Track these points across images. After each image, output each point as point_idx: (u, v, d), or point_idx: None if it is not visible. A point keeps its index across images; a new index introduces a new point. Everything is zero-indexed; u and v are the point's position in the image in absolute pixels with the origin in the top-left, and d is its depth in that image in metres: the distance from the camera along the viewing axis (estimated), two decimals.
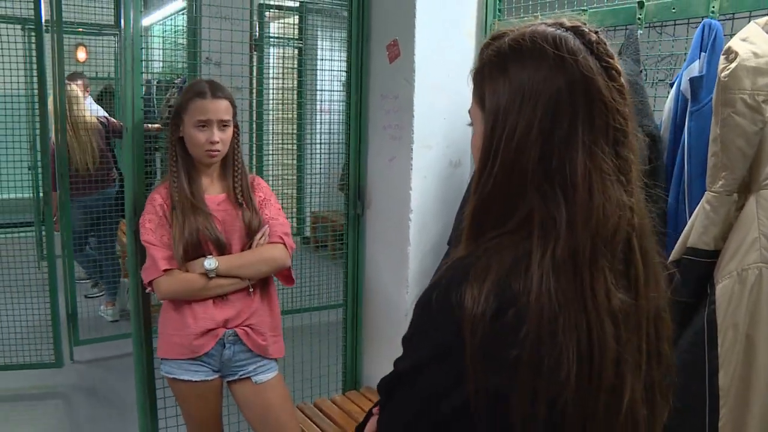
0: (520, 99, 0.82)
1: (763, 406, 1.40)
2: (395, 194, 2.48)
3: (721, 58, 1.42)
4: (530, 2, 2.18)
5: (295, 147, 5.02)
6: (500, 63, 0.85)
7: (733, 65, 1.37)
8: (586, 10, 1.93)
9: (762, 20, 1.42)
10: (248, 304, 2.02)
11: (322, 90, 3.70)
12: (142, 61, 2.18)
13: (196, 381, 1.99)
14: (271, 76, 6.07)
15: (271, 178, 4.66)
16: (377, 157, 2.56)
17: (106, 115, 4.96)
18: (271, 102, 5.75)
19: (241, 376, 2.05)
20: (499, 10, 2.31)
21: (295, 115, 5.29)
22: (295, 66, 5.49)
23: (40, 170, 4.34)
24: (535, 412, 0.76)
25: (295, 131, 4.63)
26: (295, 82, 5.17)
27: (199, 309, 1.96)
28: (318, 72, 4.75)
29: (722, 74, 1.39)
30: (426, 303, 0.83)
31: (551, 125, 0.81)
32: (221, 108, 1.98)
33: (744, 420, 1.42)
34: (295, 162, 5.30)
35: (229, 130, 2.02)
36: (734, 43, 1.40)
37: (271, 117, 5.55)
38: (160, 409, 2.33)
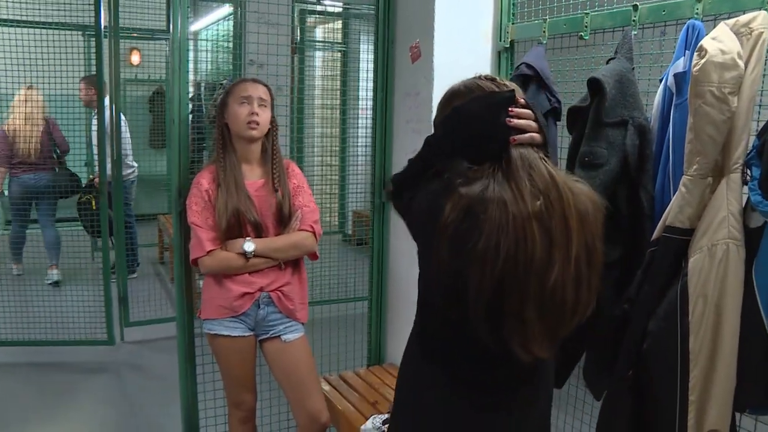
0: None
1: (727, 369, 1.55)
2: None
3: (695, 55, 1.57)
4: (540, 7, 2.36)
5: (337, 147, 5.24)
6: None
7: (702, 61, 1.53)
8: (588, 13, 2.09)
9: (731, 21, 1.57)
10: (280, 275, 2.30)
11: (363, 92, 3.91)
12: (188, 61, 2.44)
13: (234, 336, 2.27)
14: (315, 78, 6.33)
15: (314, 178, 4.89)
16: (401, 150, 2.78)
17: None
18: (314, 103, 6.00)
19: (271, 334, 2.31)
20: (513, 14, 2.49)
21: (338, 116, 5.53)
22: (337, 69, 5.72)
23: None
24: (484, 287, 1.11)
25: (337, 132, 4.87)
26: (338, 84, 5.39)
27: (239, 277, 2.24)
28: (360, 74, 4.98)
29: (694, 69, 1.55)
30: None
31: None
32: (260, 89, 2.28)
33: (711, 380, 1.57)
34: (337, 162, 5.52)
35: (268, 112, 2.28)
36: (705, 41, 1.56)
37: (314, 118, 5.80)
38: (199, 374, 2.58)
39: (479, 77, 1.37)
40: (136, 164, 5.67)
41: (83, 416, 3.40)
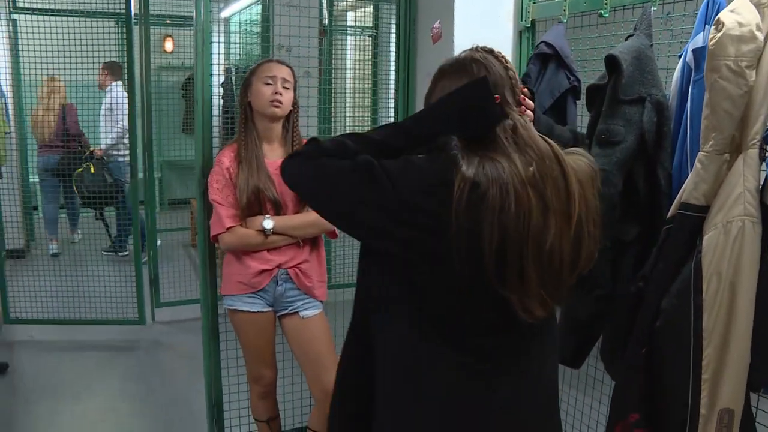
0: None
1: (741, 347, 1.53)
2: None
3: (711, 28, 1.55)
4: None
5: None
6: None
7: (719, 34, 1.50)
8: None
9: None
10: (299, 252, 2.34)
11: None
12: (211, 43, 2.48)
13: (253, 312, 2.32)
14: (345, 61, 6.33)
15: None
16: None
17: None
18: (347, 88, 6.01)
19: (290, 310, 2.36)
20: None
21: (368, 101, 5.53)
22: (367, 53, 5.72)
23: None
24: (492, 238, 1.14)
25: (367, 115, 4.88)
26: (369, 68, 5.39)
27: (257, 254, 2.29)
28: (391, 58, 4.97)
29: (710, 43, 1.52)
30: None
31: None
32: (284, 70, 2.31)
33: (724, 359, 1.55)
34: None
35: (290, 93, 2.32)
36: (723, 14, 1.53)
37: (345, 102, 5.82)
38: (223, 351, 2.64)
39: (476, 49, 1.36)
40: None
41: (114, 391, 3.51)
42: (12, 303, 4.25)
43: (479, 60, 1.32)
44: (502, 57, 1.35)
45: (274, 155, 2.35)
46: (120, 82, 5.55)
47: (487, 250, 1.16)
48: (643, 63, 1.81)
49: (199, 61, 2.45)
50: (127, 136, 4.68)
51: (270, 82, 2.27)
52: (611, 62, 1.80)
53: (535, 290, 1.19)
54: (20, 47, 4.83)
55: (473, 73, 1.29)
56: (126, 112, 5.24)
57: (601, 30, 2.18)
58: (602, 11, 2.08)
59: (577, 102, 2.18)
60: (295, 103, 2.38)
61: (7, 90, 5.51)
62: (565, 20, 2.24)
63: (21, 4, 5.21)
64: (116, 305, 4.29)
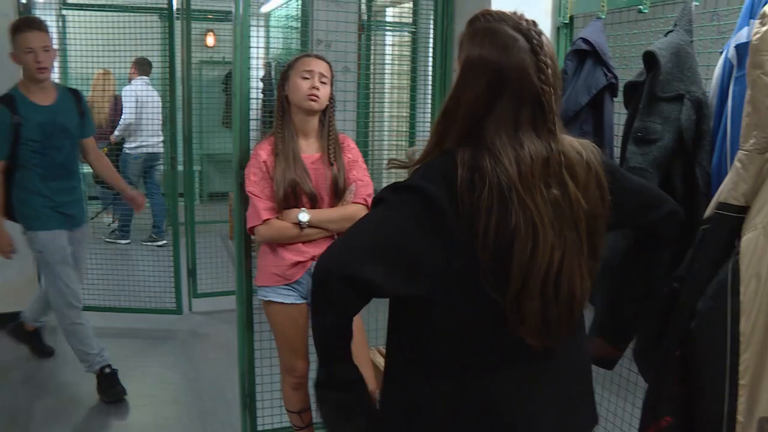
0: (474, 68, 1.22)
1: None
2: None
3: (756, 22, 1.50)
4: None
5: (404, 129, 5.25)
6: (471, 39, 1.25)
7: (764, 29, 1.46)
8: None
9: None
10: None
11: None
12: (249, 37, 2.51)
13: (287, 303, 2.36)
14: (385, 57, 6.32)
15: (384, 157, 4.89)
16: None
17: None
18: (386, 85, 6.01)
19: None
20: None
21: (408, 98, 5.51)
22: (407, 49, 5.71)
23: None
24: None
25: (406, 112, 4.87)
26: (408, 64, 5.38)
27: (292, 246, 2.32)
28: (429, 54, 4.95)
29: (754, 38, 1.48)
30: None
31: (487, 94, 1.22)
32: (322, 65, 2.33)
33: (763, 364, 1.51)
34: (407, 144, 5.51)
35: (327, 88, 2.34)
36: None
37: (384, 98, 5.82)
38: (257, 341, 2.68)
39: (519, 20, 1.24)
40: (147, 141, 5.91)
41: (150, 379, 3.59)
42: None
43: (504, 36, 1.21)
44: (537, 41, 1.22)
45: (310, 149, 2.37)
46: (146, 78, 5.80)
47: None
48: (682, 59, 1.77)
49: (237, 56, 2.49)
50: (142, 128, 5.15)
51: (307, 76, 2.29)
52: (649, 58, 1.77)
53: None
54: (68, 42, 4.95)
55: (494, 47, 1.21)
56: (132, 105, 5.72)
57: (640, 26, 2.14)
58: (641, 7, 2.05)
59: (615, 99, 2.14)
60: (331, 98, 2.40)
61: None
62: (603, 16, 2.21)
63: (70, 0, 5.35)
64: (154, 295, 4.38)
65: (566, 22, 2.46)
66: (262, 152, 2.33)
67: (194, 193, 5.14)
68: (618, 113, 2.13)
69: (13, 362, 3.68)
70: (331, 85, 2.38)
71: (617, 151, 2.08)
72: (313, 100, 2.29)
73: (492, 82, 1.21)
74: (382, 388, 1.40)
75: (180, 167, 4.72)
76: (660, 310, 1.73)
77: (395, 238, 1.19)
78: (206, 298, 4.62)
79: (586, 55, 2.12)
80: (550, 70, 1.22)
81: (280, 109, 2.36)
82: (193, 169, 5.08)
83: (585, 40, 2.12)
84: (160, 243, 5.90)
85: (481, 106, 1.22)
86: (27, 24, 3.01)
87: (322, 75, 2.31)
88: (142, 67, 5.86)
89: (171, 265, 4.44)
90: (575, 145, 1.27)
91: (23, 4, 4.08)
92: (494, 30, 1.23)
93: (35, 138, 3.03)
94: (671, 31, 1.83)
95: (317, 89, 2.29)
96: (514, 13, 1.27)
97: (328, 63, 2.37)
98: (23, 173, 3.08)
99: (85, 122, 3.29)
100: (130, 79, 5.82)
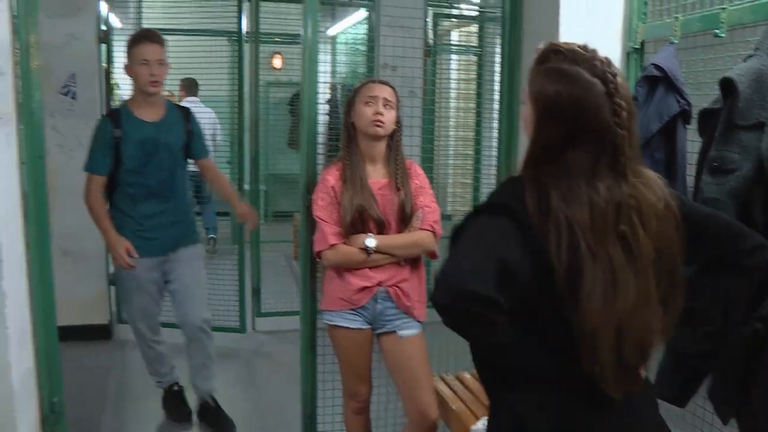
0: (552, 108, 1.24)
1: None
2: None
3: None
4: (672, 5, 2.24)
5: (470, 151, 5.25)
6: (545, 79, 1.25)
7: None
8: (726, 9, 1.97)
9: None
10: (399, 271, 2.35)
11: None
12: (317, 62, 2.55)
13: (352, 328, 2.36)
14: (450, 81, 6.35)
15: (450, 182, 4.86)
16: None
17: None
18: (451, 108, 6.01)
19: (388, 329, 2.37)
20: (644, 14, 2.38)
21: (473, 120, 5.52)
22: (472, 72, 5.71)
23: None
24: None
25: (471, 135, 4.87)
26: (474, 87, 5.38)
27: (359, 271, 2.33)
28: (495, 78, 4.94)
29: None
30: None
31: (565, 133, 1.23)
32: (386, 90, 2.34)
33: None
34: (471, 165, 5.51)
35: (393, 112, 2.35)
36: None
37: (450, 121, 5.82)
38: (320, 364, 2.69)
39: (592, 57, 1.26)
40: None
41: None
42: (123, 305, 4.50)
43: (581, 81, 1.22)
44: (613, 84, 1.23)
45: (377, 175, 2.38)
46: (195, 98, 6.04)
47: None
48: (763, 86, 1.71)
49: (306, 79, 2.53)
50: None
51: (371, 102, 2.31)
52: (726, 85, 1.71)
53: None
54: None
55: (571, 97, 1.22)
56: None
57: (716, 51, 2.08)
58: (717, 31, 1.98)
59: (688, 127, 2.08)
60: (398, 122, 2.41)
61: None
62: (676, 41, 2.15)
63: (145, 24, 5.57)
64: (218, 313, 4.45)
65: (636, 47, 2.41)
66: (330, 177, 2.36)
67: (260, 213, 5.24)
68: (692, 141, 2.06)
69: (80, 372, 3.75)
70: (397, 109, 2.39)
71: (690, 180, 2.02)
72: (378, 126, 2.31)
73: (567, 128, 1.23)
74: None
75: (246, 186, 4.82)
76: (742, 350, 1.65)
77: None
78: (270, 318, 4.67)
79: (658, 81, 2.07)
80: (625, 113, 1.21)
81: (347, 135, 2.39)
82: (259, 189, 5.19)
83: (657, 66, 2.07)
84: (213, 251, 6.06)
85: (556, 150, 1.24)
86: (146, 36, 3.00)
87: (386, 100, 2.32)
88: (190, 88, 6.14)
89: (236, 283, 4.52)
90: (652, 184, 1.28)
91: (103, 30, 4.27)
92: (569, 75, 1.22)
93: (133, 154, 2.95)
94: (752, 56, 1.77)
95: (381, 114, 2.30)
96: (586, 48, 1.26)
97: (392, 88, 2.39)
98: (118, 192, 3.02)
99: (194, 142, 3.18)
100: (180, 99, 6.05)
